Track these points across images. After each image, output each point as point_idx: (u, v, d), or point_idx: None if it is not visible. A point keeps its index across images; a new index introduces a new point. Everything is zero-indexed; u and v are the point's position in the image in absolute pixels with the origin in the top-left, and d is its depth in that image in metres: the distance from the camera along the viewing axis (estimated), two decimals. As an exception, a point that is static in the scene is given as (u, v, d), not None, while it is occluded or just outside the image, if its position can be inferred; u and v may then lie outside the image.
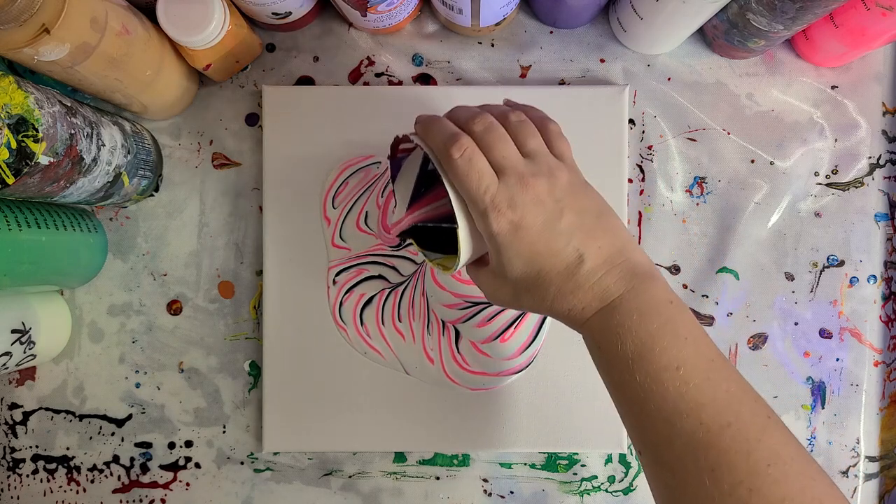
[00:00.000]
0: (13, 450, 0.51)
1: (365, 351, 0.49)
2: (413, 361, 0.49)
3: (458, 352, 0.49)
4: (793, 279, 0.51)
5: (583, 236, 0.34)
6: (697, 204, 0.51)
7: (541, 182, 0.34)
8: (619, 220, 0.36)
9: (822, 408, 0.51)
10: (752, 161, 0.51)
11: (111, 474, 0.51)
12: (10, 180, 0.36)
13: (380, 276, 0.50)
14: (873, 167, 0.51)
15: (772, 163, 0.51)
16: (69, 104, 0.40)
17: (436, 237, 0.42)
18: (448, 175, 0.35)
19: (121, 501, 0.51)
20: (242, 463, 0.51)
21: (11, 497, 0.51)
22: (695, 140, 0.51)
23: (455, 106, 0.38)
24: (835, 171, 0.51)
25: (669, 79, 0.51)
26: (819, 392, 0.51)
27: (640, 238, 0.51)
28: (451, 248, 0.36)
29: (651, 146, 0.51)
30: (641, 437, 0.33)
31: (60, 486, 0.51)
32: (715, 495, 0.29)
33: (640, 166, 0.51)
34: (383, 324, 0.49)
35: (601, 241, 0.34)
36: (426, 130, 0.36)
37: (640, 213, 0.51)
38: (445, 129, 0.35)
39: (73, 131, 0.39)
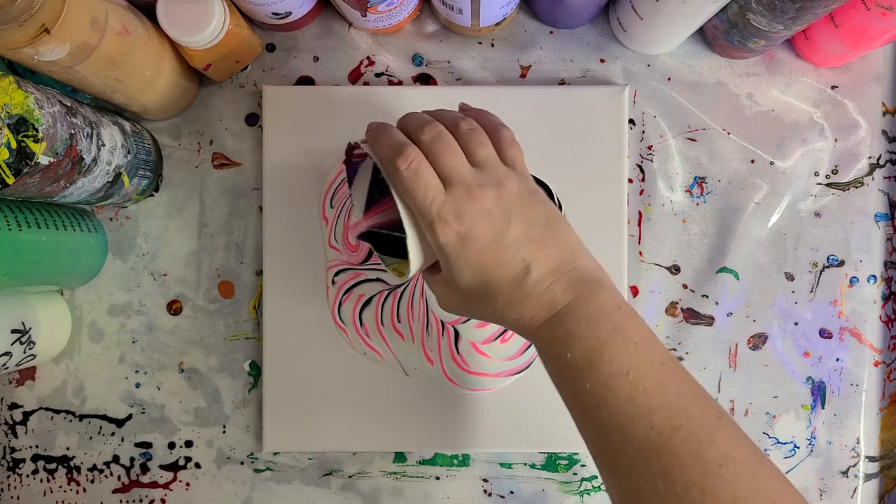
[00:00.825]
0: (13, 450, 0.51)
1: (364, 351, 0.49)
2: (412, 362, 0.49)
3: (458, 352, 0.49)
4: (793, 279, 0.51)
5: (531, 246, 0.34)
6: (697, 204, 0.51)
7: (488, 192, 0.34)
8: (568, 227, 0.36)
9: (822, 408, 0.51)
10: (752, 161, 0.51)
11: (111, 474, 0.51)
12: (10, 180, 0.36)
13: (378, 279, 0.50)
14: (873, 167, 0.51)
15: (772, 163, 0.51)
16: (69, 104, 0.40)
17: (392, 241, 0.42)
18: (395, 186, 0.35)
19: (121, 501, 0.51)
20: (242, 463, 0.51)
21: (11, 497, 0.51)
22: (695, 140, 0.51)
23: (407, 113, 0.38)
24: (835, 171, 0.51)
25: (669, 79, 0.51)
26: (819, 392, 0.51)
27: (640, 238, 0.51)
28: (406, 253, 0.36)
29: (651, 146, 0.51)
30: (596, 445, 0.33)
31: (60, 486, 0.51)
32: (669, 498, 0.29)
33: (640, 166, 0.51)
34: (382, 324, 0.49)
35: (549, 250, 0.34)
36: (375, 139, 0.36)
37: (640, 213, 0.51)
38: (393, 139, 0.35)
39: (73, 131, 0.39)
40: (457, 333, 0.49)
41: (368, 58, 0.51)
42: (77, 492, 0.51)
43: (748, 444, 0.31)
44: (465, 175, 0.34)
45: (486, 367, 0.49)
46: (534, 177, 0.49)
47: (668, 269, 0.51)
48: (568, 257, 0.35)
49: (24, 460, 0.51)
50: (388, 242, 0.42)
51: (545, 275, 0.34)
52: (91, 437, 0.51)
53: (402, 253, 0.36)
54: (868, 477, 0.51)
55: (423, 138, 0.35)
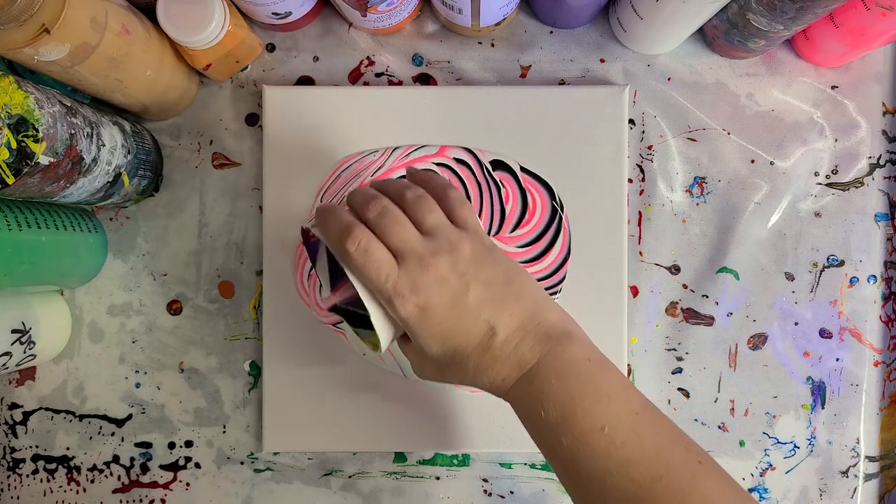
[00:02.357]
0: (13, 450, 0.51)
1: (364, 352, 0.49)
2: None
3: None
4: (793, 279, 0.51)
5: (492, 307, 0.34)
6: (697, 204, 0.51)
7: (442, 260, 0.34)
8: (529, 281, 0.36)
9: (822, 408, 0.51)
10: (752, 161, 0.51)
11: (111, 474, 0.51)
12: (10, 180, 0.36)
13: None
14: (873, 167, 0.51)
15: (772, 163, 0.51)
16: (69, 104, 0.40)
17: (362, 316, 0.42)
18: (348, 267, 0.35)
19: (121, 501, 0.51)
20: (242, 463, 0.51)
21: (11, 497, 0.51)
22: (695, 140, 0.51)
23: (353, 189, 0.37)
24: (835, 171, 0.51)
25: (669, 79, 0.51)
26: (819, 392, 0.51)
27: (640, 238, 0.51)
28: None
29: (651, 146, 0.51)
30: (578, 497, 0.33)
31: (60, 486, 0.51)
32: None
33: (640, 166, 0.51)
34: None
35: (512, 308, 0.34)
36: (322, 223, 0.36)
37: (640, 213, 0.51)
38: (339, 220, 0.35)
39: (73, 131, 0.39)
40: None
41: (368, 58, 0.51)
42: (77, 492, 0.51)
43: (729, 485, 0.31)
44: (416, 246, 0.34)
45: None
46: (535, 175, 0.49)
47: (668, 269, 0.51)
48: (532, 312, 0.34)
49: (24, 460, 0.51)
50: (358, 316, 0.42)
51: (511, 335, 0.34)
52: (91, 437, 0.51)
53: (373, 325, 0.36)
54: (868, 477, 0.51)
55: (369, 215, 0.35)
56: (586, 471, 0.32)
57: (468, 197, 0.49)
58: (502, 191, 0.49)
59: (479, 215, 0.49)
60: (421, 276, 0.33)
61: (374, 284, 0.34)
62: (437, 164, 0.49)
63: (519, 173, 0.49)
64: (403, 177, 0.47)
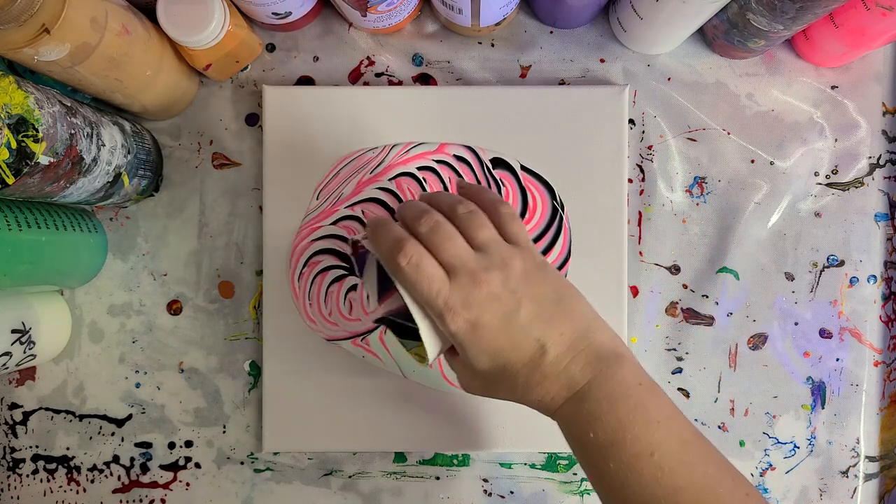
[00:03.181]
0: (13, 450, 0.51)
1: (363, 355, 0.49)
2: (411, 365, 0.49)
3: None
4: (793, 279, 0.51)
5: (543, 325, 0.34)
6: (697, 204, 0.51)
7: (494, 276, 0.34)
8: (580, 300, 0.36)
9: (822, 408, 0.51)
10: (752, 161, 0.51)
11: (111, 474, 0.51)
12: (10, 180, 0.36)
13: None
14: (873, 167, 0.51)
15: (772, 163, 0.51)
16: (69, 104, 0.40)
17: (409, 327, 0.42)
18: (399, 281, 0.35)
19: (121, 501, 0.51)
20: (242, 463, 0.51)
21: (11, 497, 0.51)
22: (695, 140, 0.51)
23: (404, 202, 0.37)
24: (835, 171, 0.51)
25: (669, 79, 0.51)
26: (819, 392, 0.51)
27: (640, 238, 0.51)
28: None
29: (651, 146, 0.51)
30: None
31: (60, 486, 0.51)
32: None
33: (640, 166, 0.51)
34: (385, 334, 0.49)
35: (563, 327, 0.34)
36: (374, 237, 0.36)
37: (640, 213, 0.51)
38: (391, 234, 0.35)
39: (73, 131, 0.39)
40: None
41: (368, 58, 0.51)
42: (77, 492, 0.51)
43: None
44: (468, 261, 0.34)
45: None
46: (535, 174, 0.49)
47: (668, 269, 0.51)
48: (582, 333, 0.34)
49: (24, 460, 0.51)
50: (404, 327, 0.42)
51: (561, 354, 0.34)
52: (91, 437, 0.51)
53: (420, 337, 0.36)
54: (868, 477, 0.51)
55: (420, 230, 0.35)
56: (633, 496, 0.31)
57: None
58: (502, 189, 0.49)
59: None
60: (472, 292, 0.33)
61: (425, 299, 0.34)
62: (437, 162, 0.49)
63: (519, 172, 0.49)
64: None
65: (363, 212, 0.49)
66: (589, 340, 0.34)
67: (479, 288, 0.33)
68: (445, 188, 0.49)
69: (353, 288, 0.49)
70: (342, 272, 0.49)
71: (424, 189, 0.49)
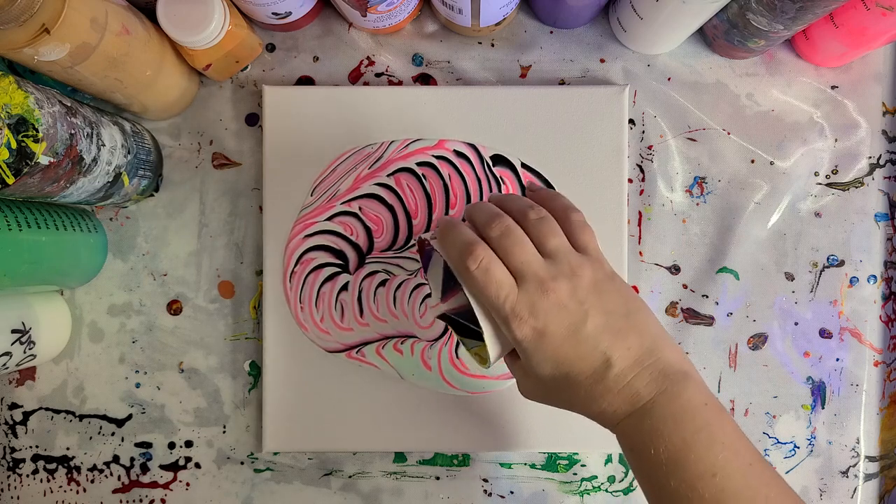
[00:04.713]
0: (13, 450, 0.51)
1: (359, 364, 0.49)
2: (410, 370, 0.49)
3: (458, 357, 0.49)
4: (793, 279, 0.51)
5: (610, 338, 0.33)
6: (697, 204, 0.51)
7: (562, 285, 0.33)
8: (649, 314, 0.35)
9: (822, 408, 0.51)
10: (752, 161, 0.51)
11: (111, 474, 0.51)
12: (10, 180, 0.36)
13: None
14: (873, 167, 0.51)
15: (772, 163, 0.51)
16: (69, 104, 0.40)
17: (472, 323, 0.42)
18: (466, 285, 0.35)
19: (121, 501, 0.51)
20: (242, 463, 0.51)
21: (11, 497, 0.51)
22: (695, 140, 0.51)
23: (474, 203, 0.37)
24: (835, 171, 0.51)
25: (669, 79, 0.51)
26: (819, 392, 0.51)
27: (640, 238, 0.51)
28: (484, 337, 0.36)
29: (651, 146, 0.51)
30: None
31: (60, 486, 0.51)
32: None
33: (640, 166, 0.51)
34: (383, 348, 0.49)
35: (630, 341, 0.34)
36: (443, 238, 0.36)
37: (640, 213, 0.51)
38: (461, 237, 0.35)
39: (73, 131, 0.39)
40: (458, 342, 0.49)
41: (368, 58, 0.51)
42: (77, 492, 0.51)
43: None
44: (537, 269, 0.34)
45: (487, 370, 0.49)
46: (536, 173, 0.49)
47: (668, 269, 0.51)
48: (649, 348, 0.34)
49: (24, 460, 0.51)
50: (465, 327, 0.41)
51: (627, 368, 0.33)
52: (91, 437, 0.51)
53: (481, 336, 0.36)
54: (868, 477, 0.51)
55: (491, 234, 0.34)
56: None
57: (468, 192, 0.49)
58: (502, 188, 0.49)
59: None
60: (540, 300, 0.33)
61: (491, 304, 0.34)
62: (437, 157, 0.49)
63: (520, 170, 0.49)
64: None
65: (360, 208, 0.49)
66: (656, 356, 0.34)
67: (546, 296, 0.33)
68: (445, 185, 0.49)
69: (345, 287, 0.49)
70: (335, 269, 0.49)
71: (423, 185, 0.49)
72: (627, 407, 0.34)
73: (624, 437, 0.34)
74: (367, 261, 0.49)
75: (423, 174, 0.49)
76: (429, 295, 0.49)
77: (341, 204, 0.49)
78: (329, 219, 0.49)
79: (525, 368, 0.36)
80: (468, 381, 0.49)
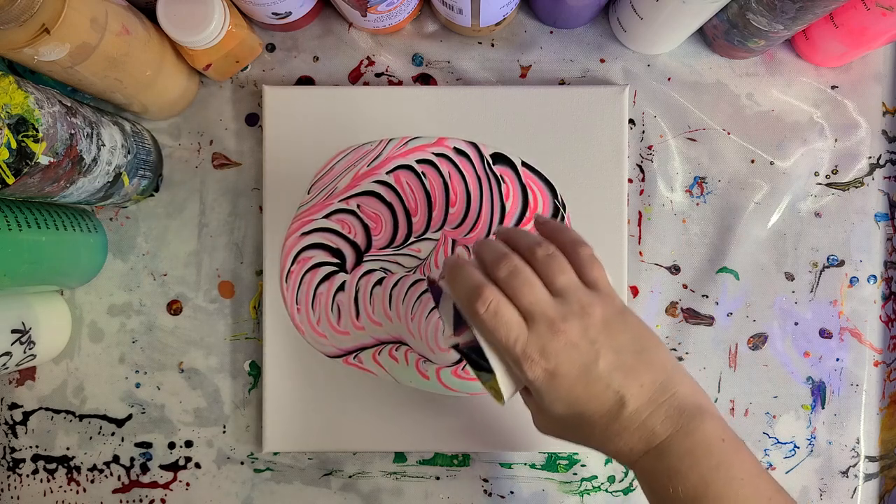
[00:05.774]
0: (13, 450, 0.51)
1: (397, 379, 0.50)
2: (407, 377, 0.49)
3: (462, 369, 0.49)
4: (793, 279, 0.51)
5: (622, 376, 0.33)
6: (697, 204, 0.51)
7: (572, 325, 0.33)
8: (662, 349, 0.35)
9: (822, 408, 0.51)
10: (752, 161, 0.51)
11: (111, 474, 0.51)
12: (10, 180, 0.36)
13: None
14: (873, 167, 0.51)
15: (772, 163, 0.51)
16: (69, 104, 0.40)
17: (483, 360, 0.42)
18: (476, 327, 0.35)
19: (121, 501, 0.51)
20: (242, 463, 0.51)
21: (11, 497, 0.51)
22: (695, 140, 0.51)
23: (481, 241, 0.37)
24: (835, 171, 0.51)
25: (669, 79, 0.51)
26: (819, 392, 0.51)
27: (640, 238, 0.51)
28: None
29: (651, 146, 0.51)
30: None
31: (60, 486, 0.51)
32: None
33: (640, 166, 0.51)
34: (380, 354, 0.49)
35: (643, 378, 0.33)
36: (451, 280, 0.36)
37: (640, 213, 0.51)
38: (469, 280, 0.34)
39: (73, 131, 0.39)
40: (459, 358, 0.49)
41: (368, 58, 0.51)
42: (77, 492, 0.51)
43: None
44: (547, 309, 0.33)
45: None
46: (537, 172, 0.49)
47: (668, 269, 0.51)
48: (663, 384, 0.34)
49: (24, 460, 0.51)
50: (478, 361, 0.41)
51: (641, 406, 0.33)
52: (91, 437, 0.51)
53: (492, 369, 0.36)
54: (868, 477, 0.51)
55: (499, 274, 0.34)
56: None
57: (468, 191, 0.49)
58: (503, 186, 0.49)
59: (479, 212, 0.49)
60: (551, 341, 0.33)
61: (502, 346, 0.33)
62: (436, 155, 0.49)
63: (520, 168, 0.49)
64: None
65: (358, 206, 0.49)
66: (670, 392, 0.34)
67: (557, 337, 0.33)
68: (445, 183, 0.49)
69: (342, 288, 0.49)
70: (332, 269, 0.49)
71: (423, 183, 0.49)
72: (643, 445, 0.33)
73: (642, 476, 0.34)
74: (364, 259, 0.49)
75: (422, 172, 0.49)
76: (434, 308, 0.49)
77: (339, 201, 0.49)
78: (327, 216, 0.49)
79: (539, 407, 0.36)
80: (467, 384, 0.49)
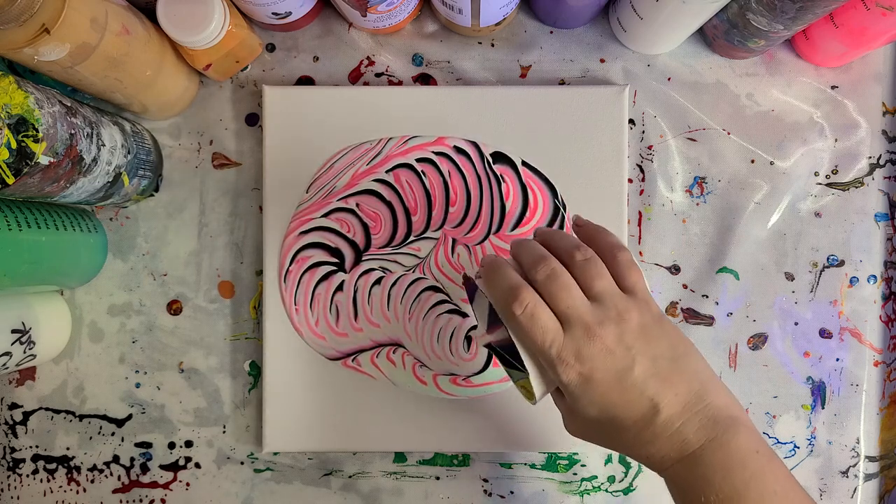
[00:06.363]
0: (13, 450, 0.51)
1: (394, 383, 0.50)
2: (405, 381, 0.49)
3: (462, 380, 0.49)
4: (793, 279, 0.51)
5: (657, 384, 0.33)
6: (697, 204, 0.51)
7: (609, 330, 0.33)
8: (697, 357, 0.35)
9: (822, 408, 0.51)
10: (752, 161, 0.51)
11: (111, 474, 0.51)
12: (10, 180, 0.36)
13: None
14: (873, 167, 0.51)
15: (772, 163, 0.51)
16: (69, 104, 0.40)
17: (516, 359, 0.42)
18: (511, 328, 0.35)
19: (121, 501, 0.51)
20: (242, 463, 0.51)
21: (11, 497, 0.51)
22: (695, 140, 0.51)
23: (520, 241, 0.37)
24: (835, 171, 0.51)
25: (669, 79, 0.51)
26: (819, 392, 0.51)
27: (639, 238, 0.51)
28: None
29: (651, 146, 0.51)
30: None
31: (60, 486, 0.51)
32: None
33: (640, 166, 0.51)
34: (377, 357, 0.49)
35: (678, 387, 0.33)
36: (488, 280, 0.36)
37: (640, 213, 0.51)
38: (506, 280, 0.34)
39: (73, 131, 0.39)
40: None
41: (368, 58, 0.51)
42: (77, 492, 0.51)
43: None
44: (583, 313, 0.33)
45: (488, 376, 0.49)
46: (537, 172, 0.49)
47: (668, 269, 0.51)
48: (698, 393, 0.34)
49: (24, 460, 0.51)
50: (510, 360, 0.41)
51: (675, 414, 0.33)
52: (91, 437, 0.51)
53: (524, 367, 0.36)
54: (868, 477, 0.51)
55: (537, 277, 0.34)
56: None
57: (468, 191, 0.49)
58: (503, 186, 0.49)
59: (479, 211, 0.49)
60: (586, 346, 0.33)
61: (537, 348, 0.34)
62: (436, 153, 0.49)
63: (520, 168, 0.49)
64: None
65: (357, 204, 0.49)
66: (705, 402, 0.33)
67: (593, 342, 0.33)
68: (445, 182, 0.49)
69: (340, 288, 0.49)
70: (331, 268, 0.49)
71: (423, 182, 0.49)
72: (676, 454, 0.33)
73: (673, 484, 0.34)
74: (363, 258, 0.49)
75: (422, 171, 0.49)
76: (450, 311, 0.49)
77: (338, 200, 0.49)
78: (325, 215, 0.49)
79: (571, 409, 0.36)
80: (465, 391, 0.49)
